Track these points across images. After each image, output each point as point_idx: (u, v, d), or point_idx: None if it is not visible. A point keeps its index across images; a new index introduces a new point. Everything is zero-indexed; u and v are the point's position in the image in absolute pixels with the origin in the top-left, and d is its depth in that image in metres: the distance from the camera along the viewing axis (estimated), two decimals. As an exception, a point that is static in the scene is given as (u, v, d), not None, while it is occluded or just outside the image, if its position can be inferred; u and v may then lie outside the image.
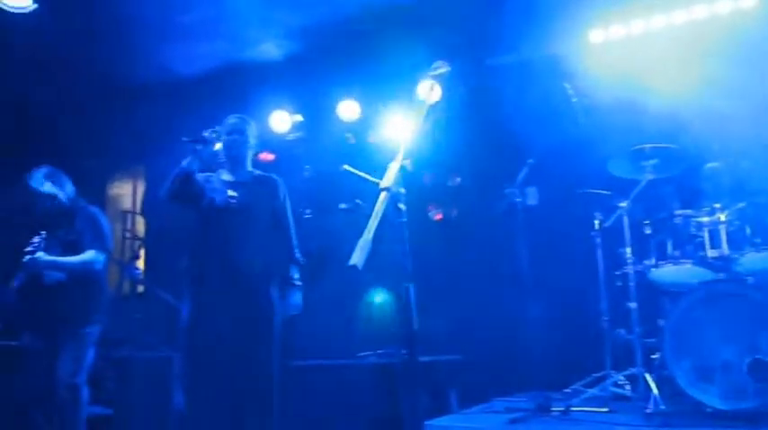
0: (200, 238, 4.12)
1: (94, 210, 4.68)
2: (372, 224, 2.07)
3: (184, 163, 3.90)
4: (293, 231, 4.32)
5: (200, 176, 4.10)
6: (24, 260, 4.26)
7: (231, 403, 3.86)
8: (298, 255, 4.28)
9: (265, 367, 3.96)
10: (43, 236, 4.32)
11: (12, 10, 5.57)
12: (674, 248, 4.46)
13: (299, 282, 4.22)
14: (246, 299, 3.98)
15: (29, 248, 4.27)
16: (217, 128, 4.11)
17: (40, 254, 4.26)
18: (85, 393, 4.35)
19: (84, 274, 4.43)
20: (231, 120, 4.28)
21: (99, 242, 4.52)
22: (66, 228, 4.50)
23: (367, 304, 6.06)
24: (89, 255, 4.44)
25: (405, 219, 2.19)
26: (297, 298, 4.19)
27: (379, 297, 6.15)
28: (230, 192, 4.13)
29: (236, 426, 3.87)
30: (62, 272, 4.40)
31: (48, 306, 4.39)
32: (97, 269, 4.49)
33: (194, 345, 3.97)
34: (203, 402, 3.86)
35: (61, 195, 4.56)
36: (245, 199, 4.14)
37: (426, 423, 3.91)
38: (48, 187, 4.51)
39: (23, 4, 5.56)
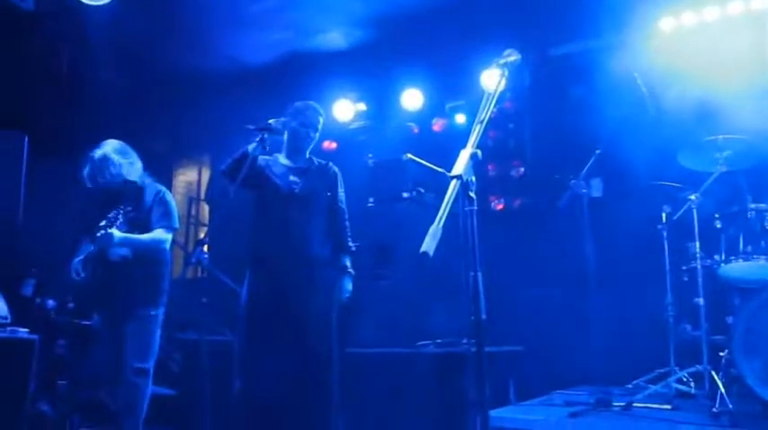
0: (260, 223, 4.20)
1: (162, 188, 4.54)
2: (443, 212, 2.07)
3: (250, 147, 3.97)
4: (347, 220, 4.37)
5: (261, 160, 4.17)
6: (98, 235, 4.15)
7: (290, 388, 3.92)
8: (350, 243, 4.34)
9: (324, 352, 4.02)
10: (120, 211, 4.21)
11: (90, 2, 5.81)
12: (746, 243, 4.32)
13: (350, 270, 4.28)
14: (304, 283, 4.04)
15: (103, 223, 4.17)
16: (283, 117, 4.17)
17: (113, 230, 4.15)
18: (150, 378, 4.29)
19: (151, 253, 4.34)
20: (308, 111, 4.31)
21: (167, 221, 4.40)
22: (134, 204, 4.34)
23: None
24: (157, 233, 4.35)
25: (475, 208, 2.20)
26: (347, 284, 4.25)
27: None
28: (292, 178, 4.19)
29: (296, 412, 3.94)
30: (130, 249, 4.28)
31: (112, 283, 4.30)
32: (164, 248, 4.39)
33: (251, 329, 4.06)
34: (261, 386, 3.94)
35: (131, 171, 4.42)
36: (306, 186, 4.20)
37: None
38: (118, 161, 4.36)
39: (101, -3, 5.81)
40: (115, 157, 4.35)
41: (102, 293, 4.36)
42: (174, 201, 4.58)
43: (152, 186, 4.49)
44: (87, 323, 5.14)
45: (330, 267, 4.20)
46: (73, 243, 4.50)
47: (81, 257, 4.33)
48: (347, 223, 4.37)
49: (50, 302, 5.77)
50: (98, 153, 4.35)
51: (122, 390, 4.20)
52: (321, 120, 4.35)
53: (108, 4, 5.83)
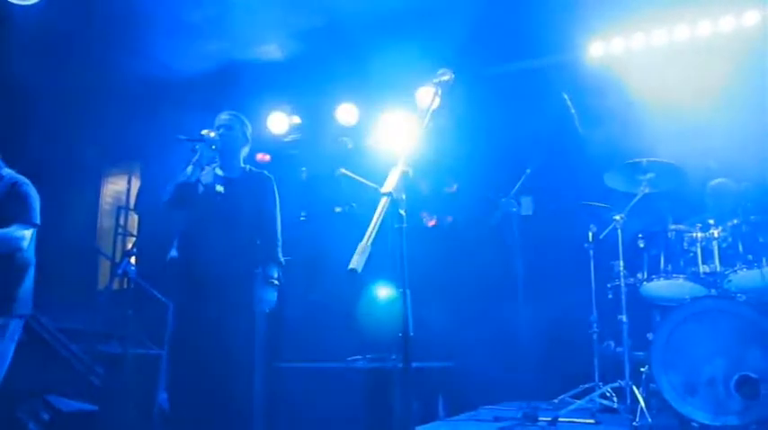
0: (185, 233, 4.10)
1: (21, 178, 3.98)
2: (372, 228, 2.08)
3: (188, 170, 3.90)
4: (278, 230, 4.22)
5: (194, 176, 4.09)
6: None
7: (210, 401, 3.85)
8: (279, 254, 4.17)
9: (243, 365, 3.93)
10: None
11: (16, 1, 5.59)
12: (667, 263, 4.49)
13: (276, 281, 4.13)
14: (227, 295, 3.95)
15: None
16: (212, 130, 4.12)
17: None
18: None
19: (3, 252, 3.79)
20: (222, 116, 4.25)
21: (24, 216, 3.85)
22: None
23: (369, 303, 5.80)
24: (11, 230, 3.79)
25: (405, 225, 2.21)
26: (271, 295, 4.09)
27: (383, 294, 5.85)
28: (218, 188, 4.12)
29: (216, 425, 3.86)
30: None
31: None
32: (20, 247, 3.81)
33: (177, 343, 3.97)
34: (185, 400, 3.86)
35: None
36: (230, 195, 4.11)
37: (416, 429, 3.92)
38: None
39: (27, -4, 5.59)
40: None
41: None
42: (36, 193, 4.01)
43: (8, 178, 3.96)
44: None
45: (256, 279, 4.10)
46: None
47: None
48: (278, 233, 4.21)
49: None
50: None
51: None
52: (238, 123, 4.22)
53: (37, 3, 5.61)
